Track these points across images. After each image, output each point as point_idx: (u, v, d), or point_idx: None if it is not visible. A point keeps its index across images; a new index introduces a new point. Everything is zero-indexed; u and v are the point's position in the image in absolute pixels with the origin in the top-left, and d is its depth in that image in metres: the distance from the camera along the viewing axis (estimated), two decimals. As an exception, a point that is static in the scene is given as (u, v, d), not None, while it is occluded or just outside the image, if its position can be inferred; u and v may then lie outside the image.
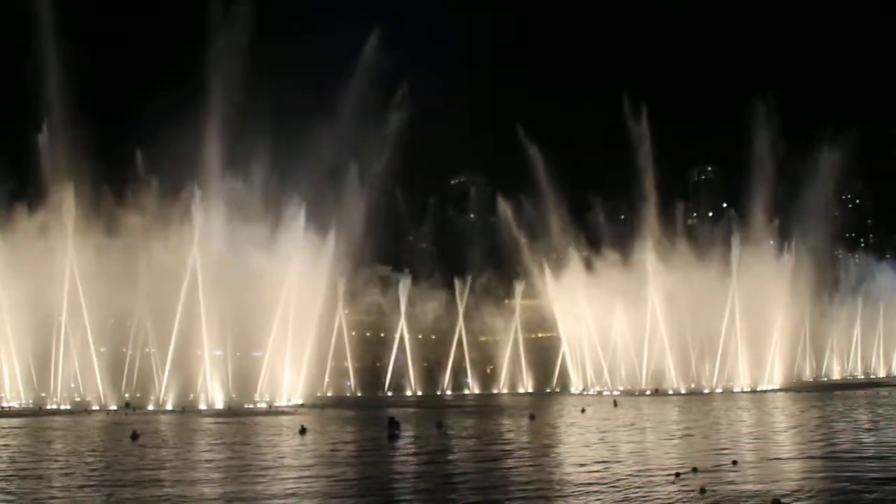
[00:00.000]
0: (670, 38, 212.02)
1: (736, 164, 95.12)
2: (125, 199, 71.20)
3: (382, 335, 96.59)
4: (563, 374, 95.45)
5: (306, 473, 24.92)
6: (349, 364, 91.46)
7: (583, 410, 52.75)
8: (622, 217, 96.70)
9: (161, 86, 64.91)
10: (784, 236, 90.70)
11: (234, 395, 67.32)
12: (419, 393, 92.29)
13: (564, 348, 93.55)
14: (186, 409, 61.20)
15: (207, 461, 28.30)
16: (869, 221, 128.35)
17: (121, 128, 75.63)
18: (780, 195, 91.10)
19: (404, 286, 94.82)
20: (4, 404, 66.32)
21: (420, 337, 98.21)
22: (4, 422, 49.03)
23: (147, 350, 68.60)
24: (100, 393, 66.79)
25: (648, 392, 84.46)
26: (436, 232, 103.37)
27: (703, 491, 20.37)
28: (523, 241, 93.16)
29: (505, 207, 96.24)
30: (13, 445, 34.31)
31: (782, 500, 19.10)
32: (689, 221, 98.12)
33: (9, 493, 21.67)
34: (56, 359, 66.95)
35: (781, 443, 32.83)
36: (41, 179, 67.88)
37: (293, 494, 21.05)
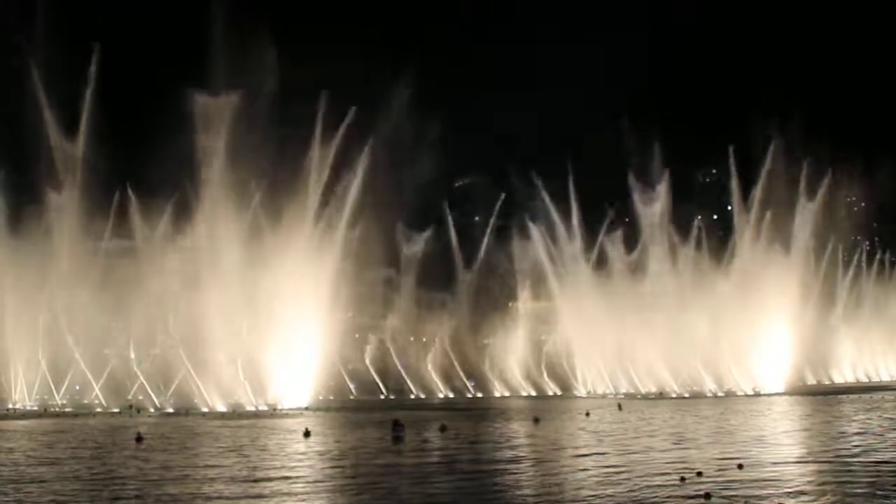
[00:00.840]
0: (671, 36, 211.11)
1: (743, 166, 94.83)
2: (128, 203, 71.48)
3: (385, 338, 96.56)
4: (567, 377, 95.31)
5: (315, 478, 24.92)
6: (351, 367, 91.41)
7: (587, 414, 52.59)
8: (626, 220, 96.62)
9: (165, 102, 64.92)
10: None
11: (237, 398, 67.30)
12: (422, 396, 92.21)
13: (568, 351, 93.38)
14: (190, 412, 61.21)
15: (213, 466, 28.27)
16: (875, 225, 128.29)
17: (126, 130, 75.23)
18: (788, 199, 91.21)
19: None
20: (10, 406, 66.44)
21: (424, 340, 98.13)
22: (8, 424, 49.07)
23: (151, 353, 68.63)
24: (100, 396, 66.86)
25: (652, 395, 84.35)
26: (440, 234, 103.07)
27: (708, 496, 20.32)
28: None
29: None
30: (16, 449, 34.34)
31: (788, 506, 19.06)
32: (694, 223, 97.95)
33: (12, 500, 21.66)
34: (60, 361, 67.05)
35: (787, 447, 32.76)
36: (45, 182, 68.14)
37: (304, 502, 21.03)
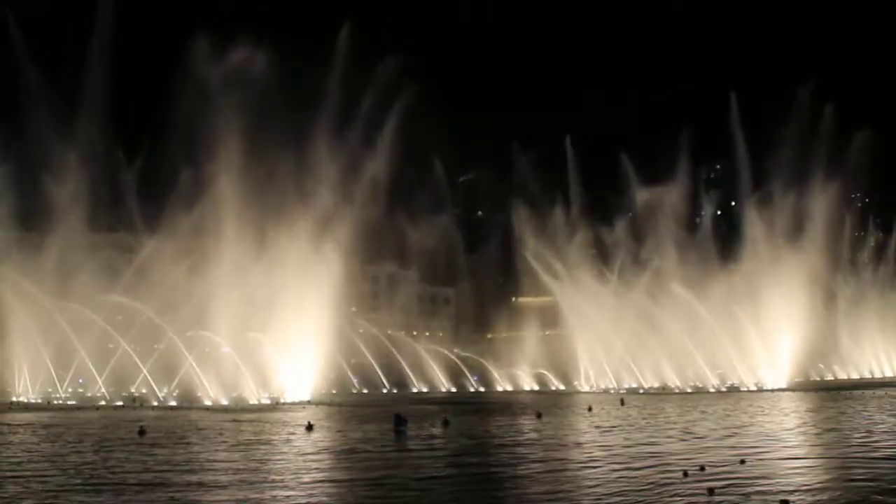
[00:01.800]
0: (667, 29, 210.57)
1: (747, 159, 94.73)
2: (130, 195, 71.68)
3: (389, 332, 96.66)
4: (569, 372, 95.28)
5: (318, 474, 24.92)
6: (354, 360, 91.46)
7: (589, 409, 52.57)
8: (630, 214, 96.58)
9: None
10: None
11: (240, 392, 67.37)
12: (424, 390, 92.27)
13: (571, 346, 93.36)
14: (193, 405, 61.30)
15: (216, 460, 28.27)
16: (878, 220, 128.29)
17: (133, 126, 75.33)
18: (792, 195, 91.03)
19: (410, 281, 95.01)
20: (13, 399, 66.59)
21: (427, 334, 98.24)
22: (11, 417, 49.13)
23: (155, 346, 68.66)
24: (104, 389, 66.97)
25: (654, 390, 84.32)
26: (444, 229, 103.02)
27: (711, 491, 20.28)
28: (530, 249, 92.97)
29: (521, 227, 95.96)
30: (19, 443, 34.38)
31: (791, 500, 19.01)
32: (697, 219, 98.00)
33: (14, 495, 21.66)
34: (64, 354, 67.14)
35: (790, 442, 32.68)
36: (51, 175, 68.26)
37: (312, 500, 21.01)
